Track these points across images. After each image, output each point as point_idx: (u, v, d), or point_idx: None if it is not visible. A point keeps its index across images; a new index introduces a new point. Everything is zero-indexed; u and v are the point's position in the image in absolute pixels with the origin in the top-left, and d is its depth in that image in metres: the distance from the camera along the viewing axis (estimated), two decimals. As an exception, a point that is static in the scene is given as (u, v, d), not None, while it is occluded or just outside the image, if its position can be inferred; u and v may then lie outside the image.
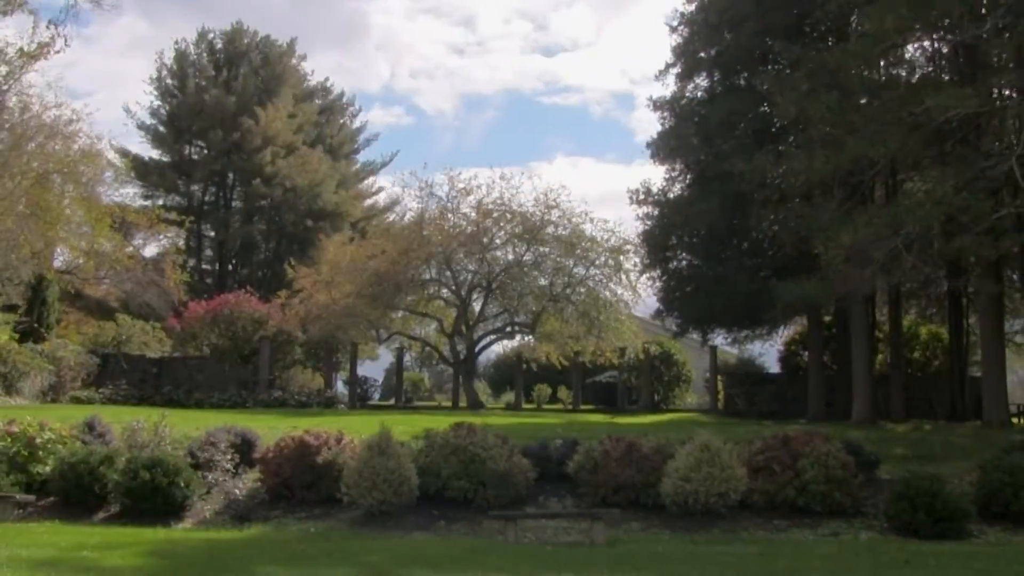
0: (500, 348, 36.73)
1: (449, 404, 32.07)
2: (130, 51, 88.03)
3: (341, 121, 54.47)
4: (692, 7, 26.84)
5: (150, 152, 49.45)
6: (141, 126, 49.30)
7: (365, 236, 38.02)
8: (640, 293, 30.11)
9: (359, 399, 31.50)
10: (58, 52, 20.19)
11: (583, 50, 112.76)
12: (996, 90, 18.93)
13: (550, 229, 29.04)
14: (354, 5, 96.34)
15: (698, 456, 11.91)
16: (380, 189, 54.53)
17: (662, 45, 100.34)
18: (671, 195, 27.33)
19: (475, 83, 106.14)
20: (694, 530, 11.44)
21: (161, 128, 49.36)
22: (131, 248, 35.04)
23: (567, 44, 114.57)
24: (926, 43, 22.14)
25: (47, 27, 19.81)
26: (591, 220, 29.51)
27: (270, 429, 14.99)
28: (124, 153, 45.07)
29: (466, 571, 8.23)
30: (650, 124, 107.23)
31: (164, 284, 34.76)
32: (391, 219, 46.11)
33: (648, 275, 28.97)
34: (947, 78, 21.03)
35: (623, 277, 29.76)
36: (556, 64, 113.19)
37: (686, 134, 26.71)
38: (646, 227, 27.55)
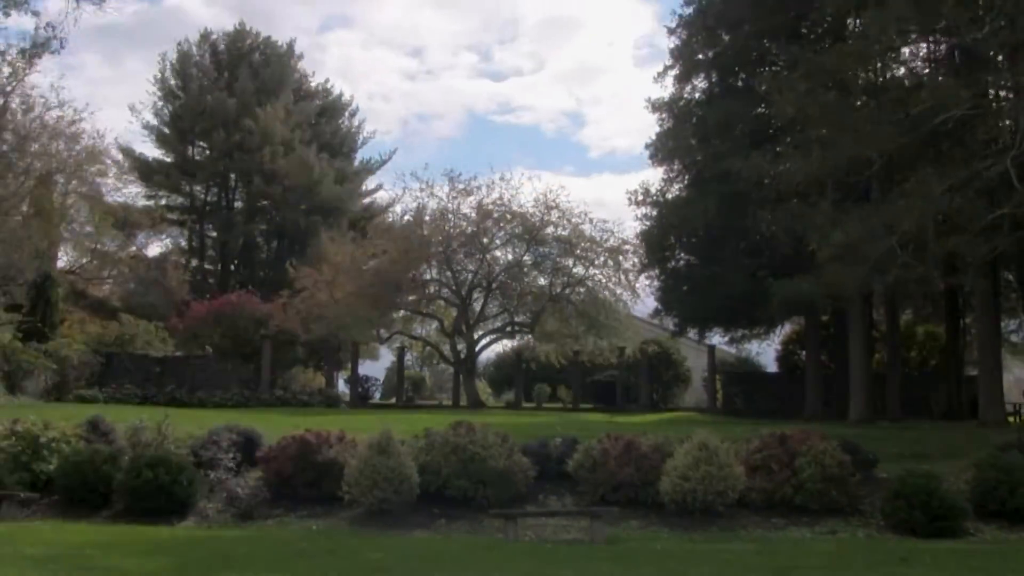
0: (500, 347, 36.72)
1: (450, 403, 32.07)
2: (108, 82, 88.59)
3: (340, 121, 54.51)
4: (690, 9, 26.89)
5: (154, 152, 49.52)
6: (146, 126, 49.39)
7: (366, 236, 38.03)
8: (639, 293, 30.19)
9: (360, 398, 31.52)
10: (54, 53, 20.21)
11: (529, 77, 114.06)
12: (992, 91, 18.95)
13: (550, 229, 29.07)
14: (310, 40, 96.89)
15: (696, 455, 11.90)
16: (379, 187, 54.62)
17: (607, 68, 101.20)
18: (669, 195, 27.40)
19: (431, 104, 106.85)
20: (692, 528, 11.43)
21: (165, 129, 49.41)
22: (134, 248, 35.10)
23: (512, 72, 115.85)
24: (923, 45, 22.16)
25: (46, 28, 19.85)
26: (590, 221, 29.59)
27: (272, 428, 14.96)
28: (128, 153, 45.20)
29: (467, 569, 8.23)
30: (603, 140, 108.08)
31: (167, 284, 34.85)
32: (391, 218, 46.15)
33: (646, 275, 29.06)
34: (943, 79, 21.03)
35: (622, 277, 29.81)
36: (506, 87, 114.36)
37: (684, 135, 26.76)
38: (644, 227, 27.63)
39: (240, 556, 8.99)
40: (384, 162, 55.46)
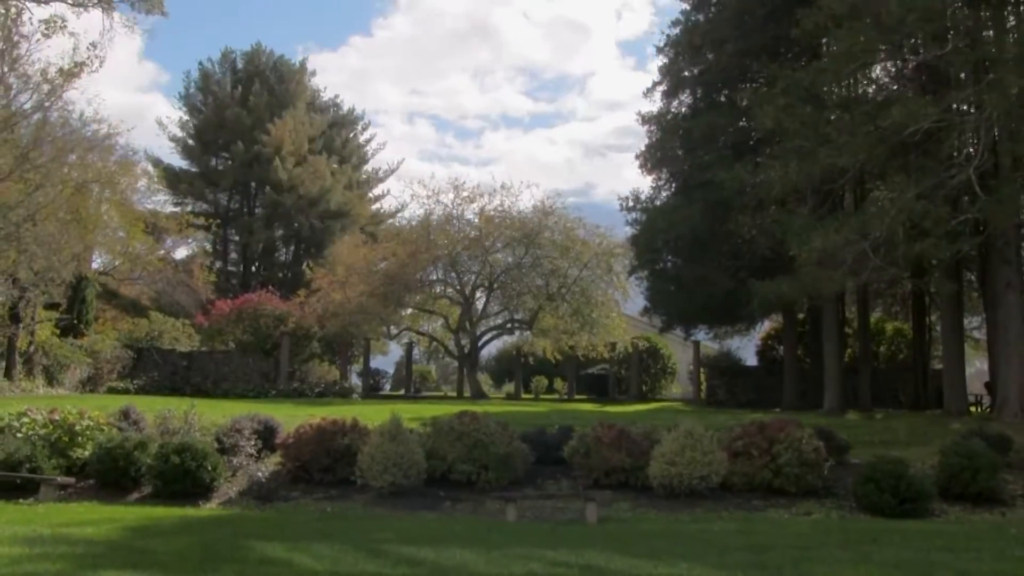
0: (501, 343, 36.73)
1: (454, 394, 32.06)
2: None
3: (351, 134, 54.51)
4: (677, 30, 26.88)
5: (180, 163, 49.61)
6: (172, 139, 49.46)
7: (376, 239, 38.01)
8: (629, 292, 30.15)
9: (371, 389, 31.49)
10: (94, 72, 20.26)
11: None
12: (955, 105, 18.96)
13: (546, 234, 29.04)
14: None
15: (682, 442, 11.90)
16: (387, 192, 54.67)
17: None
18: (657, 202, 27.38)
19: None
20: (679, 509, 11.42)
21: (190, 141, 49.47)
22: (163, 251, 35.01)
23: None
24: (892, 63, 22.16)
25: (87, 48, 19.90)
26: (584, 226, 29.56)
27: (290, 417, 14.98)
28: (156, 163, 45.22)
29: (470, 547, 8.22)
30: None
31: (193, 284, 34.82)
32: (399, 222, 46.17)
33: (636, 275, 29.02)
34: (911, 95, 21.02)
35: (613, 278, 29.79)
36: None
37: (671, 146, 26.74)
38: (634, 231, 27.60)
39: (260, 536, 8.97)
40: (392, 171, 55.58)
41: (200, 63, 50.58)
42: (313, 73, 53.40)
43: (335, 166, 48.78)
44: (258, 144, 46.51)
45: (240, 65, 51.00)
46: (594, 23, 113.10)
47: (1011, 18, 19.50)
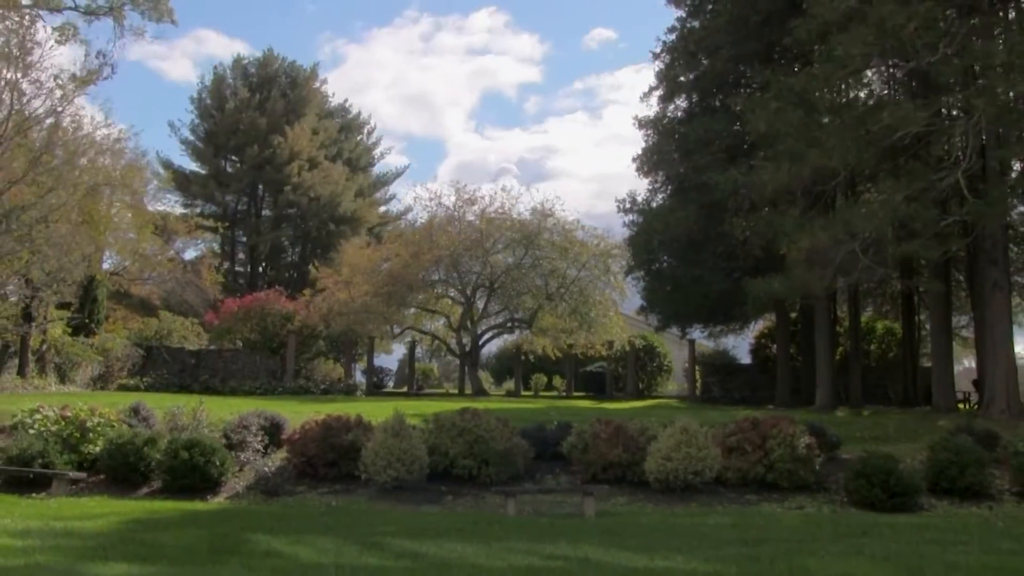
0: (501, 341, 36.68)
1: (456, 391, 32.04)
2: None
3: (359, 137, 54.53)
4: (673, 36, 26.85)
5: (190, 165, 49.62)
6: (183, 141, 49.48)
7: (381, 241, 38.01)
8: (626, 292, 30.15)
9: (375, 387, 31.47)
10: (105, 78, 20.27)
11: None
12: (944, 110, 18.93)
13: (545, 235, 29.05)
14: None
15: (678, 438, 11.89)
16: (393, 196, 54.74)
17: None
18: (654, 204, 27.34)
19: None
20: (674, 504, 11.41)
21: (200, 144, 49.46)
22: (172, 252, 35.07)
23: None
24: (883, 68, 22.14)
25: (96, 56, 19.91)
26: (582, 228, 29.60)
27: (296, 414, 14.96)
28: (167, 166, 45.26)
29: (470, 541, 8.21)
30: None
31: (201, 284, 34.85)
32: (403, 225, 46.19)
33: (633, 276, 29.00)
34: (901, 100, 20.99)
35: (611, 278, 29.81)
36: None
37: (667, 150, 26.70)
38: (631, 233, 27.57)
39: (266, 529, 8.96)
40: (398, 175, 55.65)
41: (214, 68, 50.72)
42: (324, 80, 53.49)
43: (346, 170, 48.83)
44: (270, 148, 46.54)
45: (252, 71, 51.03)
46: (442, 99, 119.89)
47: (1000, 25, 19.47)
